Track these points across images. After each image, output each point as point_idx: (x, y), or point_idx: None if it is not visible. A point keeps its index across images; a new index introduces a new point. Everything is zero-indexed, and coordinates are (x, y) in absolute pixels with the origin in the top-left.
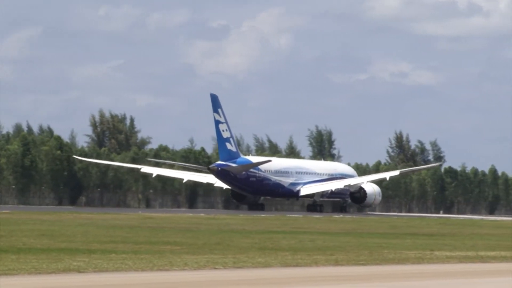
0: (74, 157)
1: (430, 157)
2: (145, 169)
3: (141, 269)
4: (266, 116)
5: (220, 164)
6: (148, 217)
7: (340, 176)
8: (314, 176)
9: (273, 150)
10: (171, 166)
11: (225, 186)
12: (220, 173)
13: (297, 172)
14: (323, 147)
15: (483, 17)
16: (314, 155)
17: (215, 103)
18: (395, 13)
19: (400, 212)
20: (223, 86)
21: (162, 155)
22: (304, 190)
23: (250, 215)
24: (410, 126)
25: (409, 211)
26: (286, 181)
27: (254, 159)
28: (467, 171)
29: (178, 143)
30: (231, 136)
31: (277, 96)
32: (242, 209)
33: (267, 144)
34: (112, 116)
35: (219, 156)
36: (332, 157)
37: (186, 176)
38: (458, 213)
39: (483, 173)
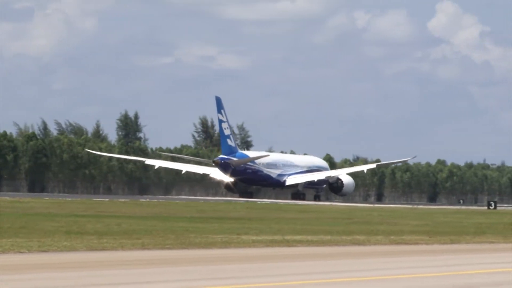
0: (87, 150)
1: (238, 141)
2: (149, 161)
3: None
4: (72, 99)
5: (222, 158)
6: None
7: (316, 168)
8: (296, 168)
9: (80, 134)
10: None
11: (219, 176)
12: (223, 166)
13: (283, 165)
14: (129, 130)
15: (289, 1)
16: (119, 139)
17: (219, 105)
18: None
19: (207, 196)
20: (27, 68)
21: None
22: (290, 181)
23: (56, 199)
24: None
25: (215, 195)
26: (274, 172)
27: (251, 153)
28: None
29: None
30: (231, 134)
31: (82, 79)
32: (51, 192)
33: (70, 128)
34: None
35: (221, 150)
36: (138, 140)
37: (185, 167)
38: (264, 198)
39: None
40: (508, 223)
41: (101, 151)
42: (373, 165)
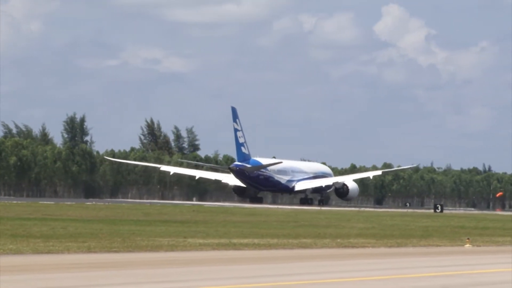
0: (106, 157)
1: (185, 144)
2: (164, 167)
3: None
4: (17, 102)
5: (237, 164)
6: None
7: (322, 174)
8: (304, 174)
9: (25, 136)
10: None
11: (232, 182)
12: (237, 172)
13: (292, 171)
14: (75, 133)
15: (235, 4)
16: (65, 142)
17: (234, 114)
18: None
19: (153, 199)
20: None
21: None
22: (298, 186)
23: (1, 202)
24: (163, 113)
25: (162, 198)
26: (284, 178)
27: (264, 160)
28: (220, 159)
29: None
30: (245, 142)
31: (28, 82)
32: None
33: (15, 130)
34: None
35: (236, 157)
36: (85, 144)
37: (198, 174)
38: (211, 201)
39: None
40: (455, 226)
41: (46, 154)
42: (379, 172)
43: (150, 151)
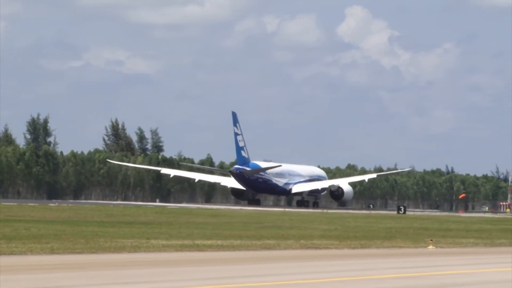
0: (108, 160)
1: (149, 146)
2: (164, 170)
3: None
4: None
5: (237, 167)
6: None
7: (317, 177)
8: (300, 177)
9: None
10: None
11: (230, 184)
12: (237, 175)
13: (289, 174)
14: (38, 134)
15: (198, 5)
16: (27, 143)
17: (235, 119)
18: (111, 0)
19: (116, 200)
20: None
21: None
22: (295, 189)
23: None
24: (127, 114)
25: (125, 200)
26: (282, 181)
27: (262, 164)
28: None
29: None
30: (245, 145)
31: None
32: None
33: None
34: None
35: (237, 161)
36: (48, 145)
37: (198, 176)
38: (175, 202)
39: (202, 162)
40: (418, 227)
41: (7, 155)
42: (374, 175)
43: (113, 152)
